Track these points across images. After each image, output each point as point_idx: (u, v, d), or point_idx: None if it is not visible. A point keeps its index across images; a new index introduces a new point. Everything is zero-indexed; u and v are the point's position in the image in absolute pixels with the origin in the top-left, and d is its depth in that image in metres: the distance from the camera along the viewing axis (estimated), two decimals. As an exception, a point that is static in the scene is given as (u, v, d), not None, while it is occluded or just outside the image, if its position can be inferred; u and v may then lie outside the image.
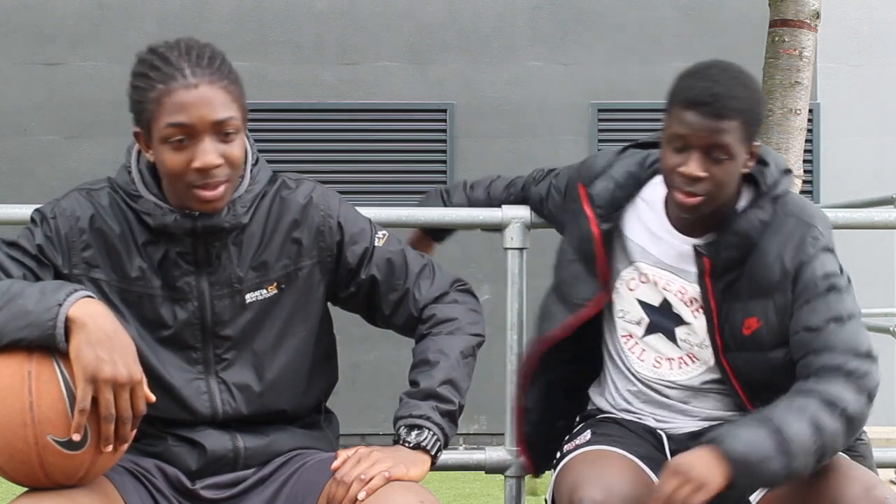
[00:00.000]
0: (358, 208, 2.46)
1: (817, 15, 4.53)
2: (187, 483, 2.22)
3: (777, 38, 4.51)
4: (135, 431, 2.03)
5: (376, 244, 2.35)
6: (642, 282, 2.54)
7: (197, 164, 2.09)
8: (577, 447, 2.49)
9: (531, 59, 8.32)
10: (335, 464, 2.11)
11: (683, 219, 2.49)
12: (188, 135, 2.09)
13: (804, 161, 4.59)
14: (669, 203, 2.52)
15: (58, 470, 1.97)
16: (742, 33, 8.03)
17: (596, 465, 2.36)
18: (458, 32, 8.33)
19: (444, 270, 2.44)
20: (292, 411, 2.32)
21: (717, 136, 2.34)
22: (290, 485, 2.23)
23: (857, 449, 2.50)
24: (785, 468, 2.22)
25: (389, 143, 8.26)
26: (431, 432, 2.20)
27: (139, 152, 2.23)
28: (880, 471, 3.40)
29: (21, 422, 1.93)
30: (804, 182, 4.76)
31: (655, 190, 2.56)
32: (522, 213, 2.98)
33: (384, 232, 2.39)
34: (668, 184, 2.44)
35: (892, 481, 5.56)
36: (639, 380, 2.55)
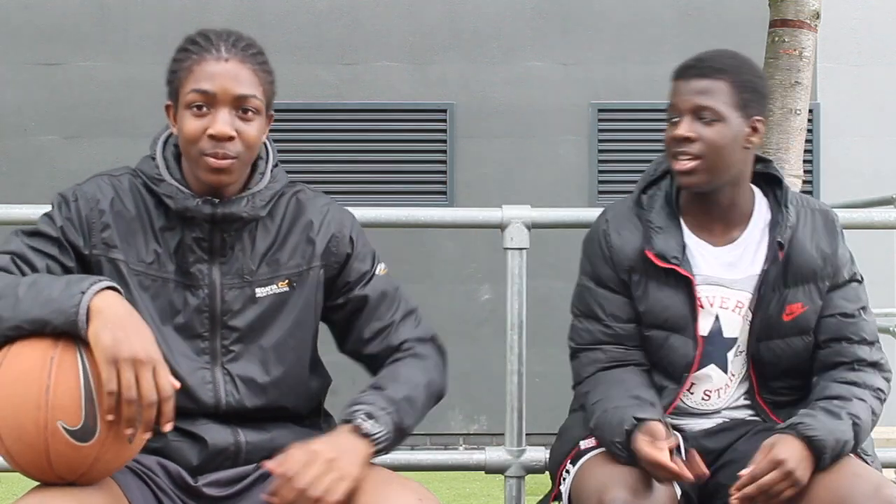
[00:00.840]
0: (358, 208, 2.48)
1: (817, 15, 4.53)
2: (189, 480, 2.22)
3: (777, 38, 4.51)
4: (166, 424, 2.00)
5: (377, 272, 2.40)
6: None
7: (211, 130, 2.17)
8: (598, 445, 2.48)
9: (531, 59, 8.33)
10: (274, 467, 2.06)
11: (705, 228, 2.53)
12: (209, 103, 2.18)
13: (804, 161, 4.59)
14: (687, 215, 2.55)
15: (62, 460, 1.97)
16: (742, 33, 8.02)
17: (625, 467, 2.36)
18: (458, 32, 8.33)
19: (427, 323, 2.44)
20: (294, 409, 2.33)
21: (702, 98, 2.43)
22: None
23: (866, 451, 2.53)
24: (855, 449, 2.42)
25: (389, 143, 8.26)
26: (387, 430, 2.16)
27: (165, 142, 2.31)
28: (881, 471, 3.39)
29: (35, 404, 1.95)
30: (804, 182, 4.76)
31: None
32: (522, 213, 2.98)
33: (385, 266, 2.43)
34: (669, 158, 2.49)
35: (893, 482, 5.55)
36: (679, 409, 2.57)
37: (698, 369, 2.53)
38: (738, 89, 2.45)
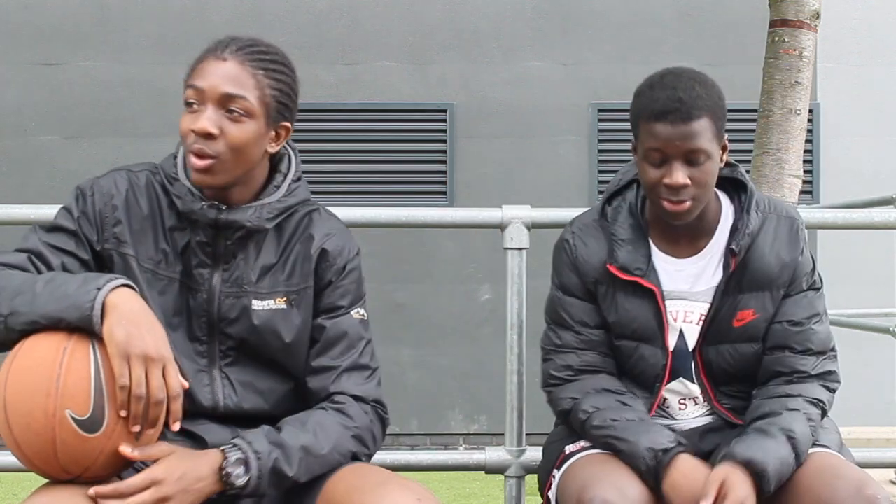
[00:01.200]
0: (359, 208, 2.46)
1: (817, 15, 4.53)
2: None
3: (777, 38, 4.51)
4: (174, 422, 2.01)
5: (352, 313, 2.33)
6: None
7: (194, 126, 2.17)
8: (584, 448, 2.49)
9: (531, 59, 8.33)
10: (131, 453, 2.00)
11: (671, 241, 2.52)
12: (199, 100, 2.18)
13: (804, 161, 4.59)
14: (653, 228, 2.54)
15: (68, 451, 1.98)
16: (742, 33, 8.03)
17: (606, 466, 2.37)
18: (458, 32, 8.33)
19: (380, 386, 2.34)
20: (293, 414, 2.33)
21: (693, 141, 2.38)
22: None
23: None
24: (796, 467, 2.37)
25: (389, 143, 8.26)
26: (253, 480, 2.09)
27: None
28: (881, 471, 3.39)
29: (45, 392, 1.96)
30: (804, 182, 4.76)
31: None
32: (522, 213, 2.98)
33: (365, 312, 2.36)
34: (653, 198, 2.45)
35: (892, 481, 5.56)
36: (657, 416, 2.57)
37: (670, 381, 2.53)
38: (715, 120, 2.42)
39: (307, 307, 2.30)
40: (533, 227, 2.97)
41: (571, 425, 2.54)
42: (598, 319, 2.54)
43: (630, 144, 2.55)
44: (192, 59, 2.26)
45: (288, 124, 2.28)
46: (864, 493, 2.25)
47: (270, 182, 2.29)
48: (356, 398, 2.29)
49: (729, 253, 2.48)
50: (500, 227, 2.98)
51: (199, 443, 2.23)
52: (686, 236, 2.52)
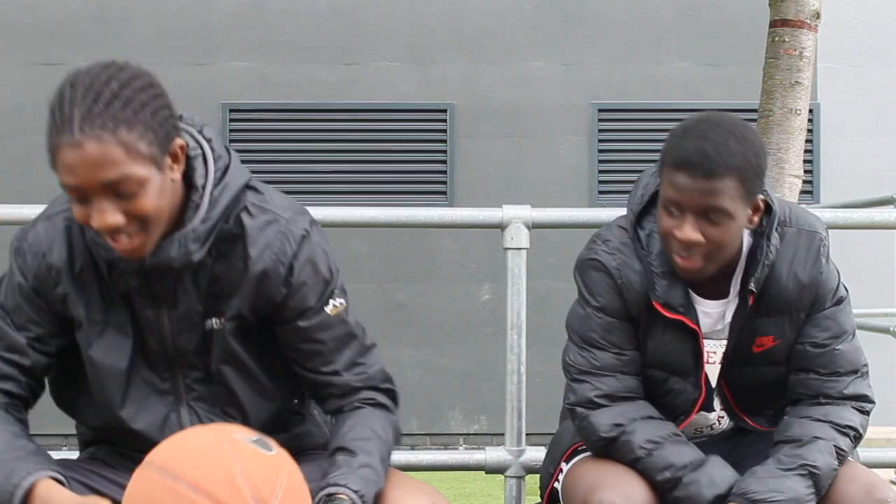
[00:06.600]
0: (358, 208, 2.42)
1: (817, 15, 4.53)
2: None
3: (777, 38, 4.51)
4: None
5: (326, 310, 2.16)
6: None
7: (94, 223, 1.94)
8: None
9: (531, 59, 8.33)
10: None
11: (694, 284, 2.38)
12: (81, 196, 1.93)
13: (804, 161, 4.59)
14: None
15: None
16: (742, 33, 8.03)
17: (615, 469, 2.35)
18: (458, 32, 8.33)
19: (381, 360, 2.24)
20: (266, 430, 2.19)
21: (712, 199, 2.22)
22: None
23: None
24: (816, 498, 2.31)
25: (389, 143, 8.26)
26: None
27: None
28: (881, 471, 3.39)
29: None
30: (804, 182, 4.76)
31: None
32: (522, 213, 2.98)
33: (342, 301, 2.18)
34: (666, 247, 2.32)
35: (892, 481, 5.57)
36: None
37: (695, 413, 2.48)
38: (744, 181, 2.23)
39: (259, 318, 2.15)
40: (533, 227, 2.97)
41: (609, 453, 2.39)
42: (636, 341, 2.41)
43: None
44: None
45: (179, 140, 2.00)
46: (875, 496, 2.25)
47: (189, 202, 2.03)
48: (370, 388, 2.21)
49: (749, 293, 2.35)
50: (501, 227, 2.98)
51: None
52: (709, 280, 2.38)
